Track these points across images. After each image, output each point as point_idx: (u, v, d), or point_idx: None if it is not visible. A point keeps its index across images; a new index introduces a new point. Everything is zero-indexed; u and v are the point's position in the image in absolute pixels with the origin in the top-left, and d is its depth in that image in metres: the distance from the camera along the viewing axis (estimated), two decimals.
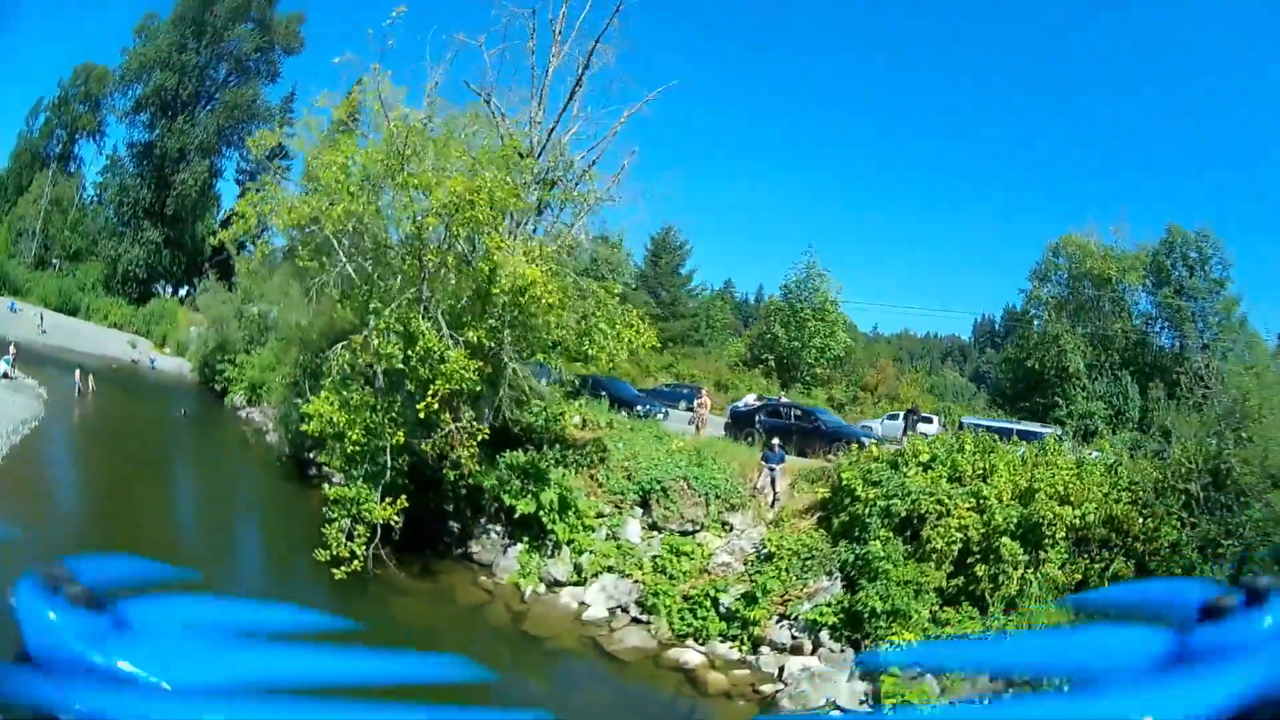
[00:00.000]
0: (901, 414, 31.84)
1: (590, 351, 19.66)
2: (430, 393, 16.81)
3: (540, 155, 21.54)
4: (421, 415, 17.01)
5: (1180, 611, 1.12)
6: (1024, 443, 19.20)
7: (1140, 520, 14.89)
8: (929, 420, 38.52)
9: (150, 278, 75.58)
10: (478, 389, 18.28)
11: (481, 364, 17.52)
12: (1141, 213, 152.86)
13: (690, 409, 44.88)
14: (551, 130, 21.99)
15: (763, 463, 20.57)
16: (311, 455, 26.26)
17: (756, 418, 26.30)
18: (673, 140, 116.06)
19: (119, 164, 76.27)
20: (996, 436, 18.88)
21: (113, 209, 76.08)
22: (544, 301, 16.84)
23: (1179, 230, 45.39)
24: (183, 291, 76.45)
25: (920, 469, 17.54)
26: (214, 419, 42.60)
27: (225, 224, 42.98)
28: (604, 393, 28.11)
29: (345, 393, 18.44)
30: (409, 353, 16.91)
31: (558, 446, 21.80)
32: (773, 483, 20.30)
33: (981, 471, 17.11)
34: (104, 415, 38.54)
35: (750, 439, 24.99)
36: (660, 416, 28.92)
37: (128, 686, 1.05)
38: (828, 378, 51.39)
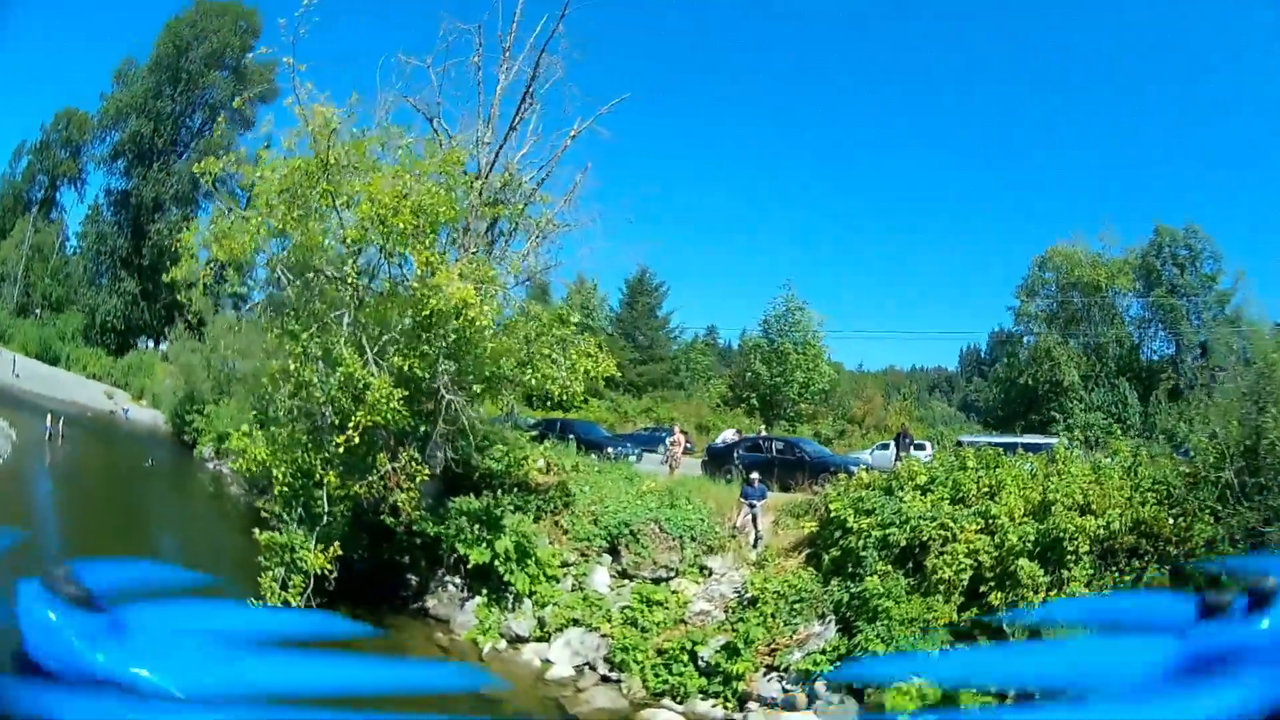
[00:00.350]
0: (893, 440, 29.21)
1: (535, 380, 17.22)
2: (351, 425, 14.57)
3: (488, 177, 19.50)
4: (341, 450, 14.76)
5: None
6: (1031, 455, 17.14)
7: (1170, 521, 13.00)
8: (921, 447, 36.50)
9: (129, 329, 73.27)
10: (421, 428, 16.12)
11: (409, 393, 15.36)
12: (1130, 217, 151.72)
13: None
14: (499, 151, 19.93)
15: (742, 500, 18.47)
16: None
17: (735, 453, 24.15)
18: (639, 164, 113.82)
19: (99, 213, 74.51)
20: (1000, 451, 16.83)
21: (91, 258, 73.82)
22: (478, 324, 14.64)
23: (1167, 230, 44.02)
24: (164, 345, 74.14)
25: (918, 492, 15.39)
26: (180, 469, 40.82)
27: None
28: (571, 435, 26.05)
29: (274, 428, 16.33)
30: (330, 380, 14.74)
31: (517, 491, 19.76)
32: (754, 521, 18.17)
33: (988, 489, 14.96)
34: (71, 459, 37.36)
35: (729, 476, 22.88)
36: (632, 458, 26.74)
37: (125, 691, 1.14)
38: (813, 413, 49.31)
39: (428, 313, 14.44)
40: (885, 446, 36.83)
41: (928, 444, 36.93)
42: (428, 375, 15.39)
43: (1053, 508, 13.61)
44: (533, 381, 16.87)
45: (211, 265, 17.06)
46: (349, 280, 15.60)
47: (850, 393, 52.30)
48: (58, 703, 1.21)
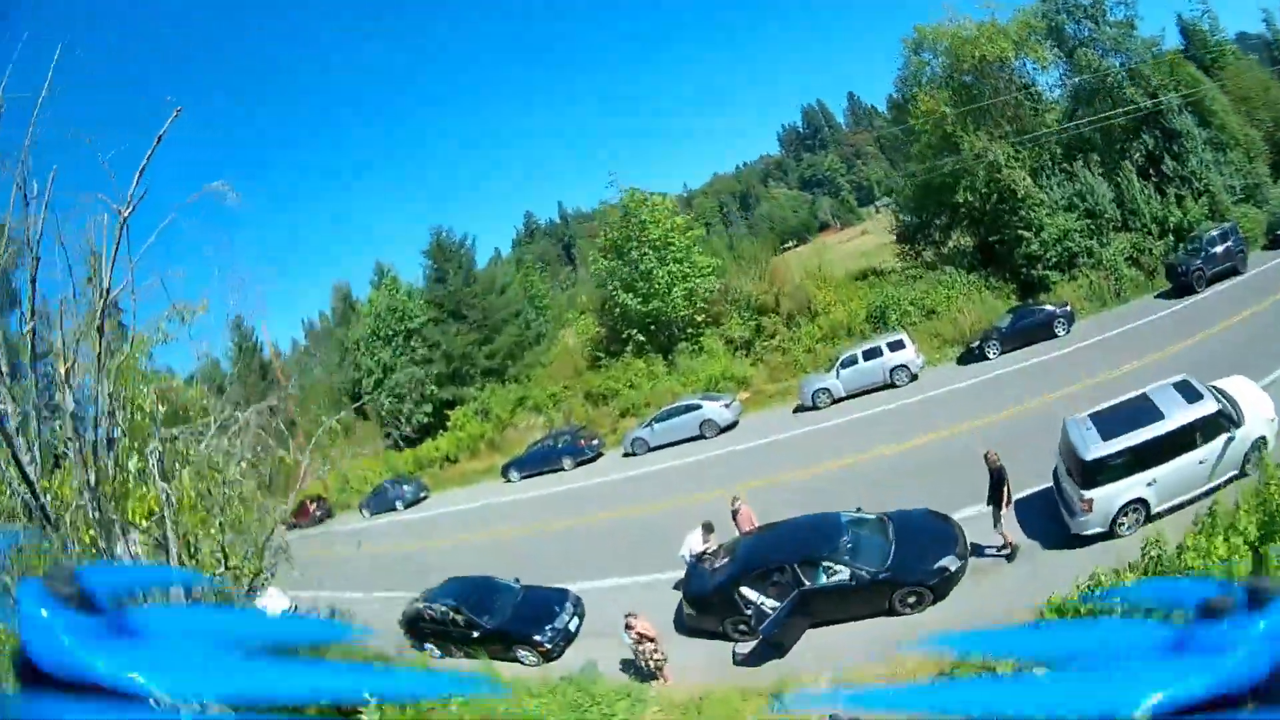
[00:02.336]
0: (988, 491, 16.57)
1: None
2: None
3: None
4: None
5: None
6: None
7: None
8: (900, 345, 28.80)
9: None
10: None
11: None
12: None
13: (579, 456, 34.65)
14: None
15: None
16: None
17: (737, 594, 14.96)
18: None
19: None
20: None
21: None
22: None
23: None
24: None
25: None
26: None
27: None
28: (462, 615, 18.44)
29: None
30: None
31: None
32: None
33: None
34: None
35: (740, 631, 15.16)
36: (572, 621, 18.08)
37: (120, 697, 1.15)
38: (715, 316, 40.77)
39: None
40: (850, 363, 28.91)
41: (904, 337, 29.27)
42: None
43: None
44: None
45: None
46: None
47: (744, 273, 43.22)
48: (50, 711, 1.19)
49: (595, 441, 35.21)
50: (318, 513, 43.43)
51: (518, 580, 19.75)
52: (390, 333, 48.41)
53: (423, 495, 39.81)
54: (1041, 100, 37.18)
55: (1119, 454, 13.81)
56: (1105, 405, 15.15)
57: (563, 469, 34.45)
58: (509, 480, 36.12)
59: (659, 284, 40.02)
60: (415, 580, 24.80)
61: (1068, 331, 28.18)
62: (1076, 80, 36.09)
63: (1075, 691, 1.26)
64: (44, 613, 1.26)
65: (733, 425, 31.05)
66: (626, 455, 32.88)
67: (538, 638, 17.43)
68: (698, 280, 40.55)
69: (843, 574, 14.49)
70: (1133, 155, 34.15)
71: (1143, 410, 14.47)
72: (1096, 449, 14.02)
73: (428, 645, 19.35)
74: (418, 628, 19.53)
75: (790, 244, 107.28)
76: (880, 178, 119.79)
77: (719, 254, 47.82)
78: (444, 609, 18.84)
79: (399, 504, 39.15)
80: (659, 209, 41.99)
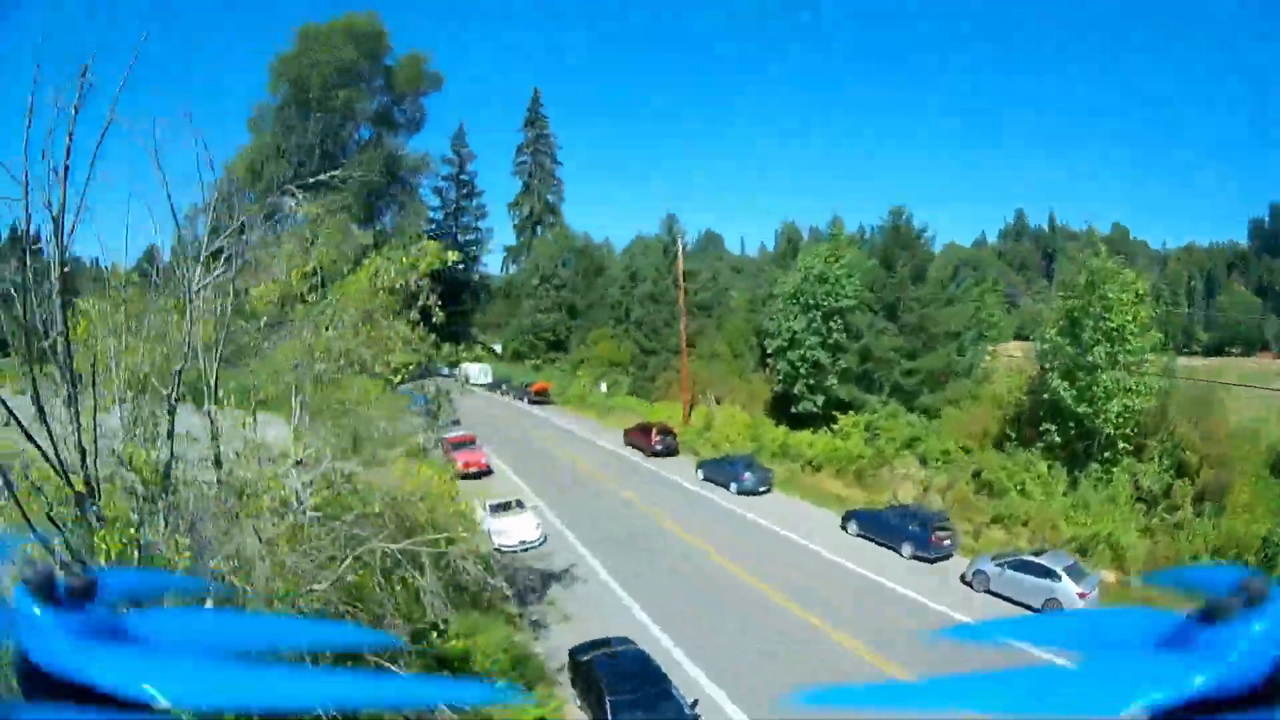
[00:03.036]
0: None
1: None
2: None
3: None
4: None
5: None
6: None
7: None
8: None
9: None
10: None
11: None
12: None
13: (923, 551, 30.64)
14: None
15: None
16: None
17: None
18: None
19: None
20: None
21: None
22: None
23: None
24: None
25: None
26: None
27: None
28: (604, 697, 17.08)
29: None
30: None
31: None
32: None
33: None
34: None
35: None
36: None
37: (115, 699, 1.17)
38: (1138, 446, 34.61)
39: None
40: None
41: None
42: None
43: None
44: None
45: None
46: None
47: (1177, 405, 35.78)
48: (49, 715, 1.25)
49: (947, 542, 30.53)
50: (659, 445, 44.71)
51: (695, 706, 17.32)
52: (810, 303, 46.42)
53: (762, 490, 38.49)
54: None
55: None
56: None
57: (899, 552, 30.68)
58: (845, 529, 33.32)
59: (1100, 388, 33.86)
60: (668, 594, 25.57)
61: None
62: None
63: (1069, 687, 1.27)
64: (37, 613, 1.31)
65: None
66: (963, 580, 28.29)
67: None
68: (1139, 398, 33.85)
69: None
70: None
71: None
72: None
73: (575, 690, 18.99)
74: (578, 670, 19.01)
75: (1234, 350, 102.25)
76: None
77: (1170, 357, 39.07)
78: (599, 678, 17.63)
79: (733, 486, 38.37)
80: (1128, 288, 34.47)
